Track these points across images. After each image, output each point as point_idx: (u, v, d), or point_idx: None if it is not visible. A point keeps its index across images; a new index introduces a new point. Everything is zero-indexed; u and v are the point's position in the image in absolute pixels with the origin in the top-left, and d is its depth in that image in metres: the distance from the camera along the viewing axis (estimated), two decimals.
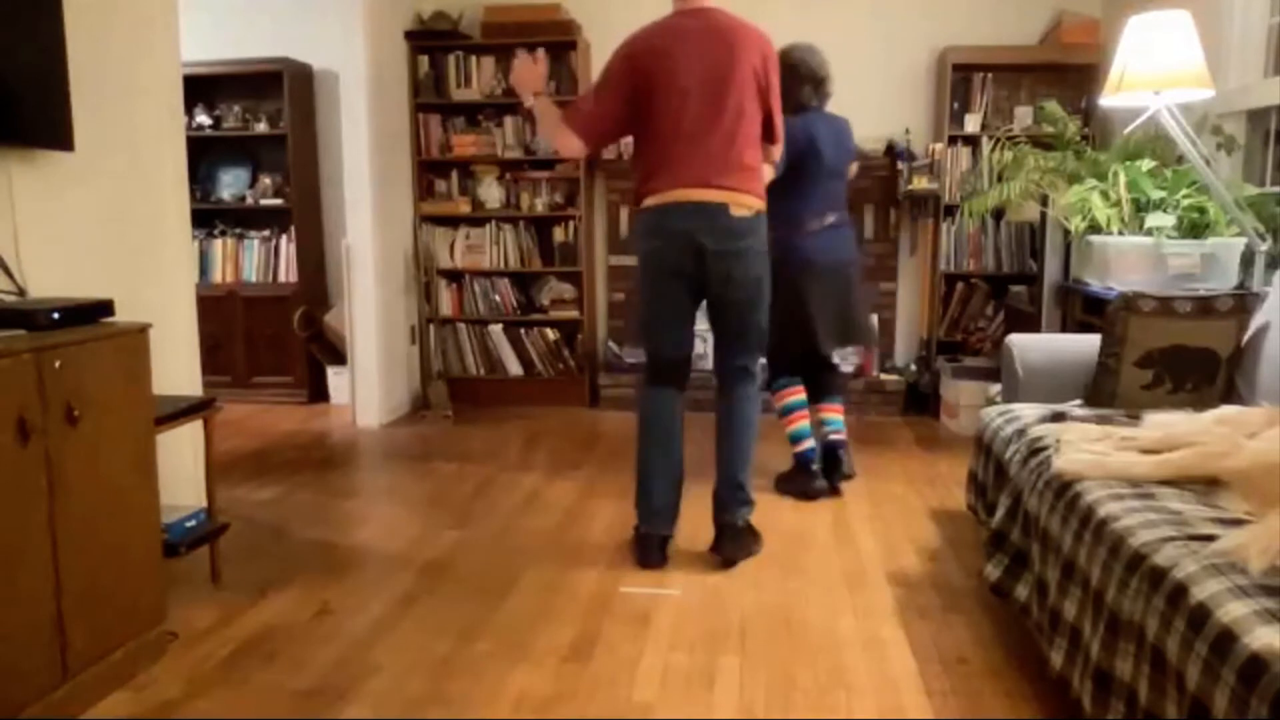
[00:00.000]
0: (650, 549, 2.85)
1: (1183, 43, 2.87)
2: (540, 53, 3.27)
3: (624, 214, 5.07)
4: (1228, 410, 2.25)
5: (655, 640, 2.34)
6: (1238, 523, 1.65)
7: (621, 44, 2.78)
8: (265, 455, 4.15)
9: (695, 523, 3.18)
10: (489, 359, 5.21)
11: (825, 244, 3.47)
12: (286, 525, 3.22)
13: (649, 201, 2.76)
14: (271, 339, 5.16)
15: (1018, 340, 3.05)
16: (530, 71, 2.88)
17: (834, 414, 3.60)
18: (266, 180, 5.23)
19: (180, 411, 2.56)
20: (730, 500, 2.87)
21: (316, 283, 5.30)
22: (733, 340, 2.89)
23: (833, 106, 4.88)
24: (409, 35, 4.98)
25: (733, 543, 2.85)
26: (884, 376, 4.88)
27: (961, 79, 4.78)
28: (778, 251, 3.05)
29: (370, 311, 4.69)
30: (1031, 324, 3.91)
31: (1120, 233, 3.22)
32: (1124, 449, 2.08)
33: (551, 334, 5.13)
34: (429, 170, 5.20)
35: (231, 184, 5.30)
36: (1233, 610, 1.33)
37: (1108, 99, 3.05)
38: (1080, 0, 4.70)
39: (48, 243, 2.42)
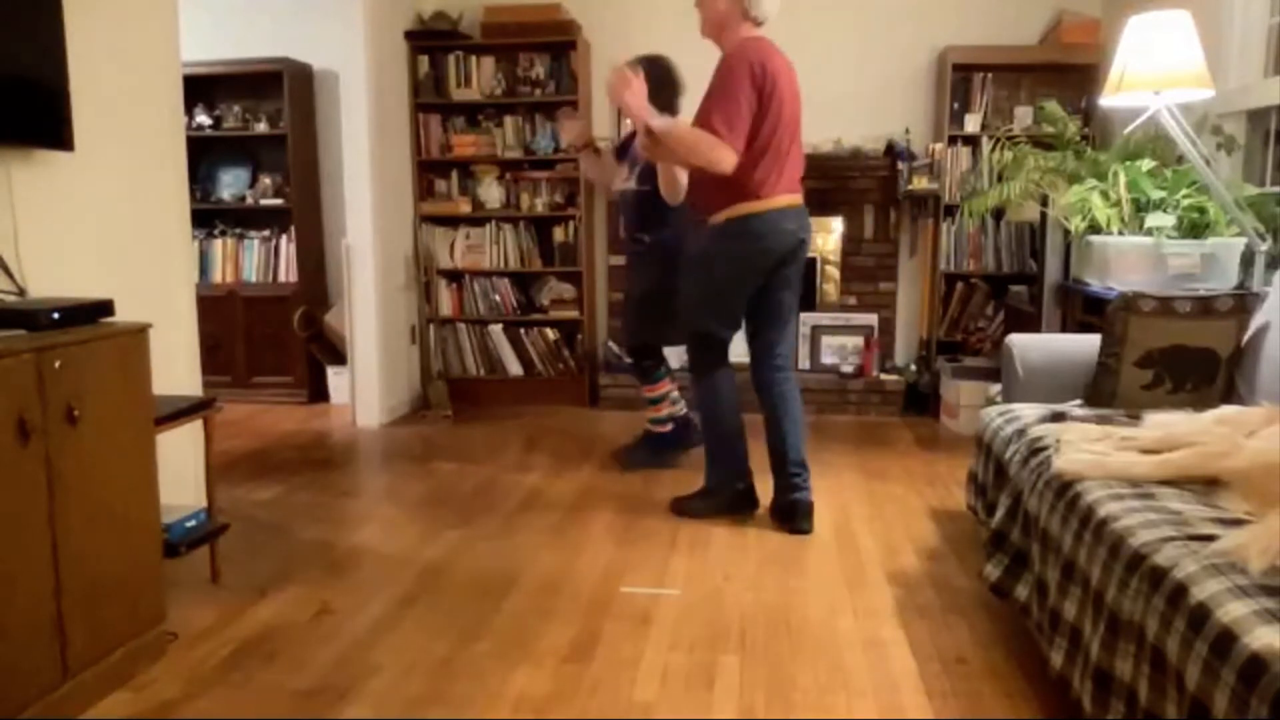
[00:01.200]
0: (754, 496, 3.25)
1: (1183, 43, 2.87)
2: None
3: None
4: (1228, 410, 2.25)
5: (655, 640, 2.34)
6: (1238, 523, 1.65)
7: (737, 60, 2.90)
8: (265, 455, 4.15)
9: (696, 523, 3.19)
10: (489, 359, 5.21)
11: None
12: (286, 525, 3.22)
13: (761, 206, 2.98)
14: (271, 339, 5.16)
15: (1018, 340, 3.05)
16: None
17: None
18: (266, 180, 5.23)
19: (180, 411, 2.56)
20: (801, 480, 3.17)
21: (316, 283, 5.30)
22: (784, 329, 3.21)
23: (834, 105, 4.91)
24: (409, 35, 4.98)
25: (807, 518, 3.12)
26: (884, 376, 4.88)
27: (961, 79, 4.78)
28: (680, 244, 3.54)
29: (370, 311, 4.69)
30: (1031, 324, 3.91)
31: (1120, 233, 3.22)
32: (1124, 449, 2.07)
33: (551, 334, 5.13)
34: (429, 170, 5.20)
35: (231, 184, 5.30)
36: (1233, 610, 1.33)
37: (1108, 99, 3.05)
38: (1080, 0, 4.70)
39: (48, 243, 2.42)
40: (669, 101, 3.46)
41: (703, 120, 2.88)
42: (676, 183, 3.33)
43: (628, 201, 3.59)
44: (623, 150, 3.76)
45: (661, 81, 3.51)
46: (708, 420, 3.26)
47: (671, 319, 3.47)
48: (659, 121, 2.90)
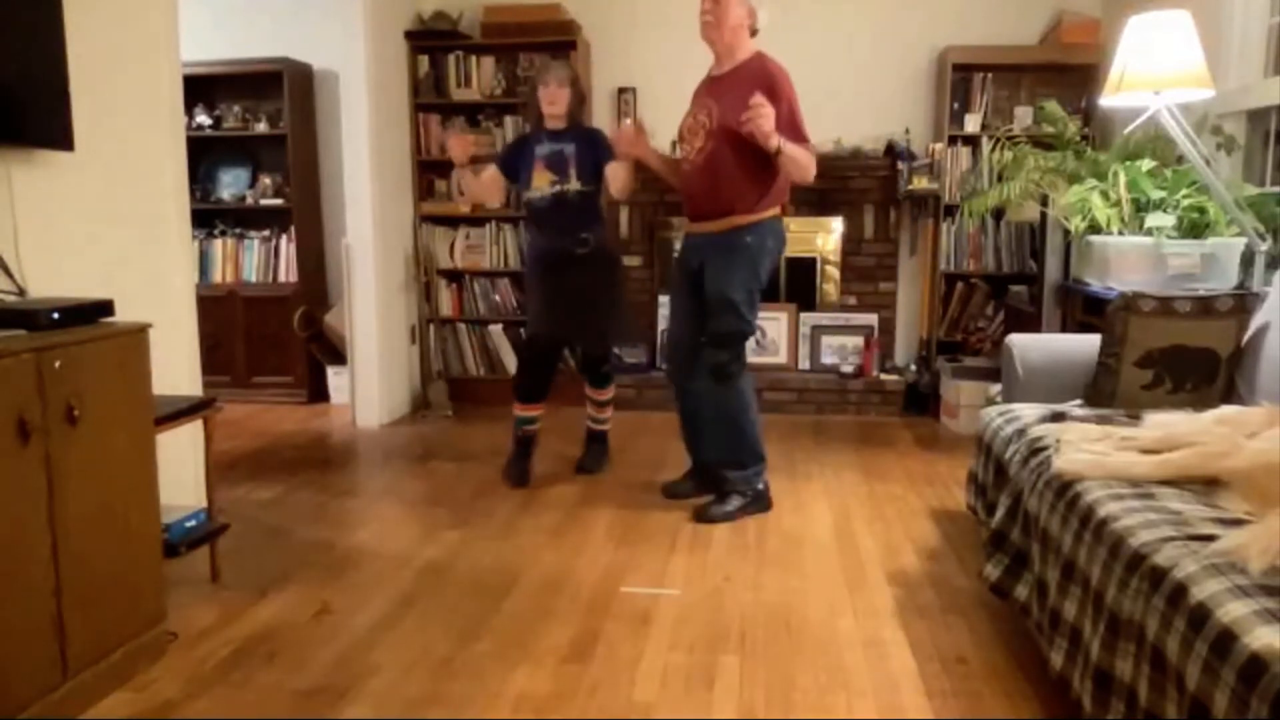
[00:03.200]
0: (769, 495, 3.37)
1: (1183, 43, 2.87)
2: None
3: (624, 214, 5.06)
4: (1228, 410, 2.25)
5: (655, 640, 2.34)
6: (1238, 523, 1.65)
7: (786, 78, 3.07)
8: (265, 455, 4.15)
9: (695, 523, 3.19)
10: (489, 359, 5.21)
11: None
12: (286, 525, 3.22)
13: (779, 210, 3.23)
14: (271, 339, 5.16)
15: (1018, 340, 3.05)
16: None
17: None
18: (266, 180, 5.22)
19: (180, 411, 2.56)
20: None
21: (316, 283, 5.30)
22: None
23: (834, 105, 4.91)
24: (409, 35, 4.98)
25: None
26: (884, 376, 4.88)
27: (961, 79, 4.78)
28: (611, 248, 3.79)
29: (370, 311, 4.69)
30: (1031, 324, 3.91)
31: (1120, 233, 3.22)
32: (1124, 449, 2.07)
33: None
34: (429, 170, 5.20)
35: (231, 184, 5.30)
36: (1233, 610, 1.33)
37: (1108, 99, 3.05)
38: (1080, 0, 4.70)
39: (48, 243, 2.42)
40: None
41: (793, 136, 3.03)
42: (631, 184, 3.56)
43: (568, 202, 3.54)
44: (508, 161, 3.72)
45: (583, 91, 3.71)
46: (741, 421, 3.25)
47: (619, 319, 3.74)
48: (785, 144, 2.99)
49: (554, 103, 3.55)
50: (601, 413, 3.88)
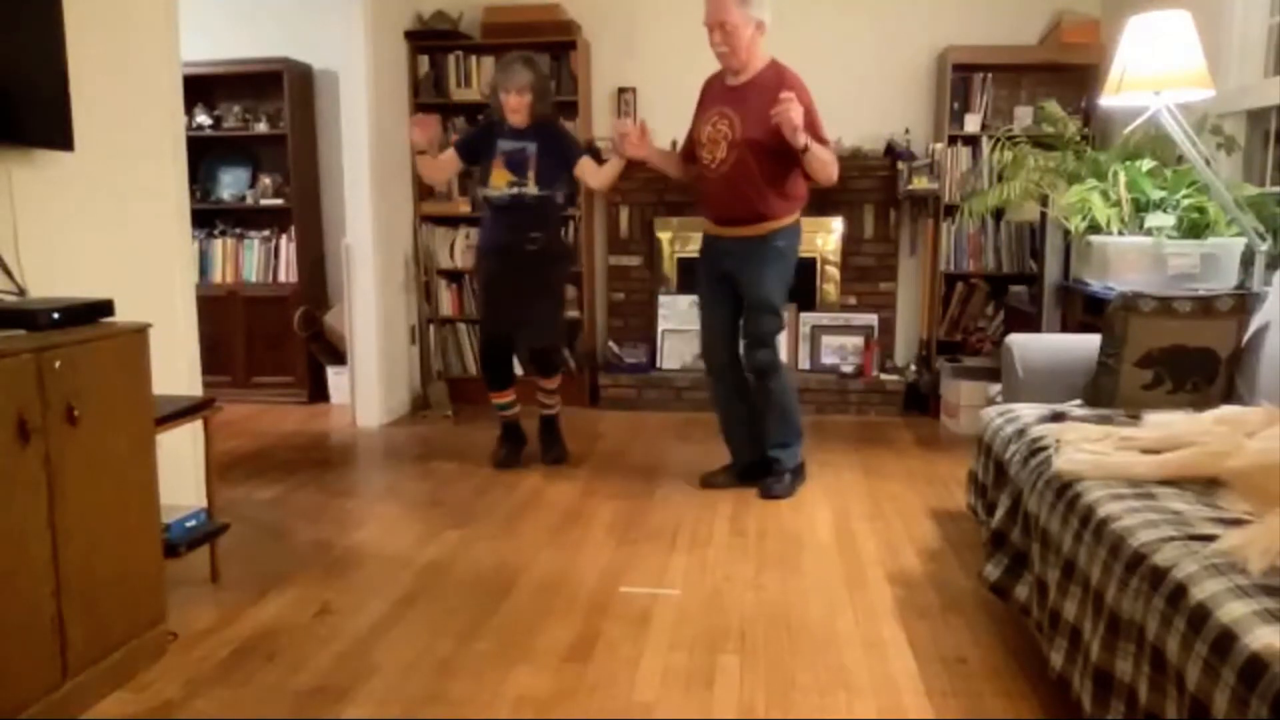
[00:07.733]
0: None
1: (1183, 43, 2.87)
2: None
3: (624, 214, 5.06)
4: (1228, 410, 2.25)
5: (655, 640, 2.34)
6: (1238, 523, 1.65)
7: (802, 85, 3.19)
8: (265, 455, 4.15)
9: (696, 519, 3.19)
10: None
11: None
12: (286, 525, 3.22)
13: (799, 216, 3.42)
14: (271, 339, 5.15)
15: (1018, 340, 3.05)
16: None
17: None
18: (266, 180, 5.22)
19: (180, 411, 2.56)
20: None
21: (316, 283, 5.30)
22: None
23: (834, 105, 4.90)
24: (409, 35, 4.98)
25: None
26: (884, 376, 4.88)
27: (961, 79, 4.78)
28: (560, 248, 3.94)
29: (370, 311, 4.68)
30: (1031, 324, 3.91)
31: (1120, 233, 3.21)
32: (1124, 449, 2.07)
33: None
34: None
35: (231, 184, 5.29)
36: (1233, 610, 1.33)
37: (1108, 99, 3.05)
38: (1080, 0, 4.70)
39: (48, 243, 2.42)
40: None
41: (815, 137, 3.17)
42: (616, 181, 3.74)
43: (525, 204, 3.64)
44: (469, 146, 3.79)
45: (548, 85, 3.75)
46: (788, 406, 3.48)
47: (555, 316, 3.93)
48: (812, 143, 3.12)
49: (516, 111, 3.60)
50: (550, 398, 3.97)
